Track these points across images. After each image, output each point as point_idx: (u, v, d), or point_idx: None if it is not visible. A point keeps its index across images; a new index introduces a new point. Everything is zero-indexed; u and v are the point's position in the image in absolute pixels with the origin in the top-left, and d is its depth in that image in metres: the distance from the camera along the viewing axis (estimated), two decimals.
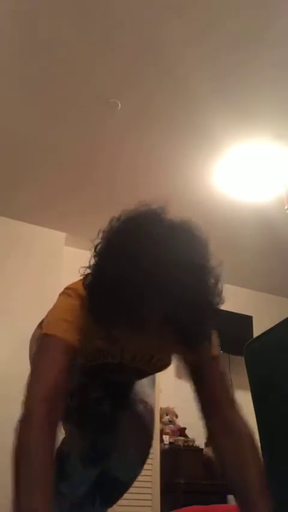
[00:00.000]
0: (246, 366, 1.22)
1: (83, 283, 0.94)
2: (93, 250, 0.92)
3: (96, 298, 0.89)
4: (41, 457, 0.79)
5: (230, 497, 3.09)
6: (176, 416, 3.21)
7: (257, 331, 3.78)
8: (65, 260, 3.36)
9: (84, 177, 3.01)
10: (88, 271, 0.94)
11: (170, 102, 2.44)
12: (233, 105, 2.42)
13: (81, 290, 0.96)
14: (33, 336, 1.35)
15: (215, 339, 1.02)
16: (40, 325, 1.22)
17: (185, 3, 1.95)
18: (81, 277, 0.97)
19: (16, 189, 3.10)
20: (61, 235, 3.51)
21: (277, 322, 1.27)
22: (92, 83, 2.34)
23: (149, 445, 1.30)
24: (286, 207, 2.86)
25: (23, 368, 3.03)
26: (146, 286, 0.78)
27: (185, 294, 0.80)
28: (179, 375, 3.21)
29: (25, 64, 2.25)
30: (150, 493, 2.52)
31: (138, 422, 1.26)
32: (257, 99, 2.38)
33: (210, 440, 1.03)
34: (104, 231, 0.91)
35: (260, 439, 1.08)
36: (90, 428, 1.23)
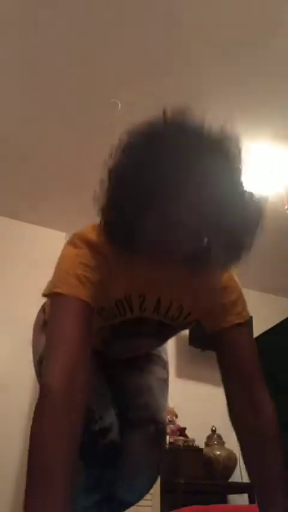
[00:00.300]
0: None
1: (99, 212, 0.82)
2: (106, 172, 0.81)
3: (120, 212, 0.76)
4: (58, 449, 0.65)
5: (230, 497, 3.09)
6: (176, 416, 3.21)
7: (257, 331, 3.77)
8: None
9: (85, 177, 2.99)
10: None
11: (170, 102, 2.43)
12: (234, 105, 2.42)
13: (89, 234, 0.87)
14: (35, 322, 1.25)
15: (243, 300, 0.96)
16: (43, 308, 1.18)
17: (186, 4, 1.95)
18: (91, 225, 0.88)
19: (16, 189, 3.10)
20: (61, 235, 3.50)
21: (277, 322, 1.28)
22: (92, 83, 2.34)
23: (159, 468, 1.15)
24: (286, 207, 2.86)
25: (23, 367, 3.03)
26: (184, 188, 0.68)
27: (228, 208, 0.70)
28: (179, 375, 3.21)
29: (25, 64, 2.25)
30: (150, 493, 2.51)
31: (149, 446, 1.10)
32: (257, 99, 2.38)
33: (233, 417, 0.94)
34: (118, 147, 0.82)
35: None
36: (94, 464, 1.01)
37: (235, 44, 2.11)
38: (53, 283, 0.84)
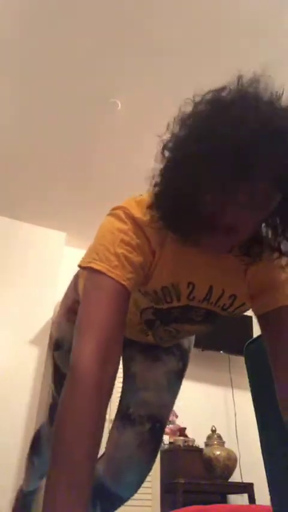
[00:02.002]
0: (246, 366, 1.22)
1: (151, 188, 0.77)
2: (162, 147, 0.76)
3: (177, 180, 0.70)
4: (84, 434, 0.64)
5: (230, 497, 3.09)
6: (176, 416, 3.21)
7: (257, 331, 3.76)
8: (65, 260, 3.37)
9: (85, 177, 3.01)
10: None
11: (170, 102, 2.43)
12: None
13: (134, 207, 0.81)
14: (63, 300, 1.22)
15: None
16: (73, 289, 1.13)
17: (186, 4, 1.95)
18: (137, 196, 0.83)
19: (16, 189, 3.11)
20: (61, 235, 3.51)
21: None
22: (92, 83, 2.35)
23: (150, 466, 1.13)
24: None
25: (23, 367, 3.02)
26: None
27: None
28: None
29: (25, 64, 2.25)
30: (150, 493, 2.52)
31: (141, 444, 1.08)
32: None
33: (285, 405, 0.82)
34: (178, 120, 0.75)
35: (261, 439, 1.08)
36: None
37: (235, 42, 2.12)
38: (91, 255, 0.79)
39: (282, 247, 0.77)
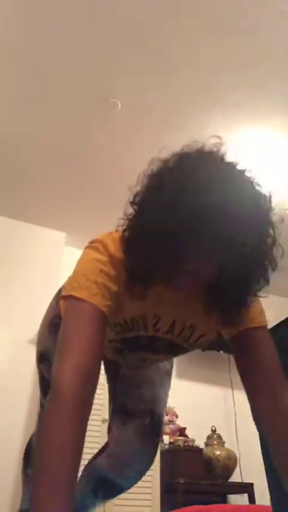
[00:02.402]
0: None
1: (121, 231, 0.85)
2: (131, 199, 0.84)
3: (140, 241, 0.79)
4: (67, 449, 0.67)
5: (230, 497, 3.09)
6: (176, 416, 3.21)
7: None
8: (65, 260, 3.36)
9: (85, 177, 3.01)
10: (122, 227, 0.85)
11: (170, 102, 2.44)
12: (236, 105, 2.42)
13: (110, 243, 0.87)
14: (47, 312, 1.29)
15: (260, 307, 0.94)
16: (55, 304, 1.18)
17: (186, 4, 1.95)
18: (114, 231, 0.89)
19: (16, 189, 3.11)
20: (61, 235, 3.51)
21: (277, 322, 1.27)
22: (92, 83, 2.35)
23: (153, 456, 1.21)
24: (287, 208, 2.86)
25: (23, 367, 3.02)
26: (206, 224, 0.69)
27: (245, 239, 0.71)
28: (179, 375, 3.21)
29: (25, 64, 2.25)
30: (150, 493, 2.52)
31: (144, 436, 1.16)
32: (264, 96, 2.38)
33: (260, 426, 0.90)
34: (146, 175, 0.84)
35: (260, 439, 1.08)
36: None
37: (236, 42, 2.12)
38: (72, 284, 0.85)
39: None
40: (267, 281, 0.81)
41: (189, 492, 2.64)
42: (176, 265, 0.77)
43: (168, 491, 2.62)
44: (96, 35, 2.10)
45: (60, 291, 1.18)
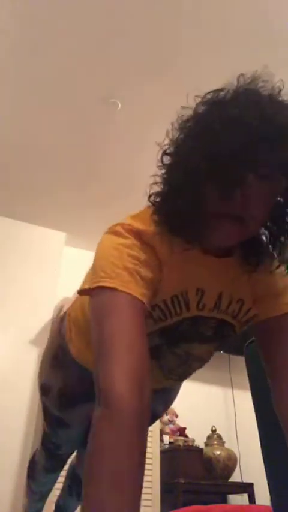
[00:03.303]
0: (246, 366, 1.22)
1: (152, 200, 0.75)
2: (161, 155, 0.75)
3: (182, 180, 0.69)
4: (126, 482, 0.54)
5: (230, 497, 3.09)
6: (176, 416, 3.21)
7: None
8: (65, 260, 3.37)
9: (84, 177, 3.01)
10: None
11: (170, 102, 2.43)
12: None
13: (133, 222, 0.77)
14: (51, 331, 1.22)
15: None
16: (58, 333, 1.08)
17: (185, 3, 1.95)
18: (133, 214, 0.80)
19: (16, 189, 3.11)
20: (61, 235, 3.51)
21: None
22: (92, 83, 2.35)
23: None
24: None
25: (23, 367, 3.02)
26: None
27: None
28: None
29: (25, 64, 2.25)
30: (150, 493, 2.52)
31: None
32: None
33: (283, 416, 0.79)
34: (178, 125, 0.75)
35: (260, 439, 1.08)
36: (58, 464, 1.26)
37: (235, 40, 2.12)
38: (97, 276, 0.71)
39: (281, 256, 0.76)
40: None
41: (189, 492, 2.64)
42: (230, 193, 0.65)
43: (168, 491, 2.62)
44: (96, 35, 2.10)
45: (59, 312, 1.13)
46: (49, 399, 1.13)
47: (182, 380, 1.12)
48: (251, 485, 2.88)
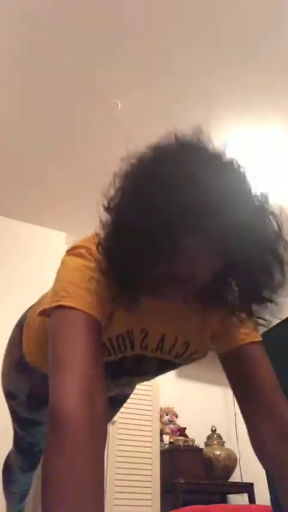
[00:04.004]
0: None
1: (98, 243, 0.73)
2: (105, 203, 0.72)
3: (121, 245, 0.67)
4: (85, 488, 0.54)
5: (230, 497, 3.09)
6: (176, 416, 3.21)
7: None
8: None
9: (84, 177, 3.01)
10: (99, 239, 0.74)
11: (170, 102, 2.44)
12: (238, 102, 2.42)
13: (94, 249, 0.75)
14: (10, 339, 1.21)
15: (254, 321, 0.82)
16: (18, 343, 1.09)
17: (185, 3, 1.95)
18: (92, 236, 0.79)
19: (16, 189, 3.11)
20: (61, 235, 3.51)
21: (277, 322, 1.27)
22: (92, 83, 2.34)
23: None
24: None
25: None
26: (199, 215, 0.59)
27: (240, 234, 0.61)
28: (179, 375, 3.21)
29: (25, 64, 2.25)
30: (150, 493, 2.52)
31: None
32: (262, 97, 2.38)
33: (261, 451, 0.78)
34: (119, 174, 0.72)
35: None
36: (36, 460, 1.23)
37: (237, 39, 2.12)
38: (58, 295, 0.72)
39: (234, 302, 0.74)
40: (283, 274, 0.68)
41: (189, 492, 2.64)
42: (170, 258, 0.65)
43: (168, 491, 2.62)
44: (96, 35, 2.10)
45: (21, 321, 1.11)
46: (17, 404, 1.13)
47: (125, 396, 1.23)
48: (251, 485, 2.88)
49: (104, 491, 0.59)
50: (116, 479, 2.46)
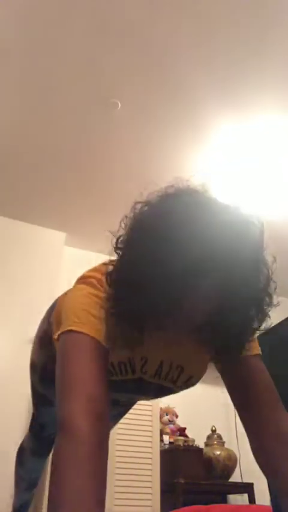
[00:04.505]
0: None
1: (106, 278, 0.79)
2: (114, 243, 0.77)
3: (127, 289, 0.72)
4: (87, 491, 0.58)
5: (230, 497, 3.09)
6: (176, 416, 3.21)
7: None
8: (65, 260, 3.36)
9: (84, 177, 3.01)
10: (110, 268, 0.80)
11: (170, 102, 2.44)
12: (238, 103, 2.42)
13: (104, 280, 0.80)
14: (36, 334, 1.28)
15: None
16: (47, 319, 1.16)
17: (185, 4, 1.95)
18: (102, 266, 0.84)
19: (16, 189, 3.11)
20: (61, 235, 3.51)
21: (277, 322, 1.28)
22: (92, 83, 2.35)
23: None
24: None
25: (22, 368, 3.01)
26: (194, 272, 0.64)
27: (237, 287, 0.68)
28: None
29: (25, 64, 2.25)
30: (150, 493, 2.52)
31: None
32: (259, 98, 2.38)
33: (262, 460, 0.80)
34: (129, 217, 0.76)
35: None
36: (44, 447, 1.35)
37: (236, 39, 2.12)
38: (70, 320, 0.78)
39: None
40: (266, 316, 0.76)
41: (189, 492, 2.64)
42: (171, 307, 0.70)
43: (168, 491, 2.61)
44: (96, 35, 2.10)
45: (53, 306, 1.17)
46: (34, 376, 1.23)
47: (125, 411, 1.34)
48: (251, 485, 2.88)
49: (104, 499, 0.63)
50: (116, 479, 2.46)
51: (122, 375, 0.89)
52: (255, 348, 0.88)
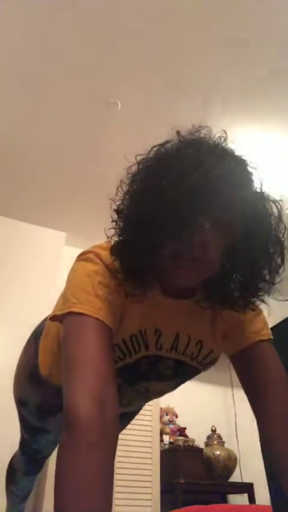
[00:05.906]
0: None
1: (111, 239, 0.78)
2: (116, 206, 0.79)
3: (132, 230, 0.73)
4: (95, 483, 0.57)
5: (230, 497, 3.09)
6: (176, 416, 3.21)
7: None
8: (65, 260, 3.36)
9: (84, 177, 3.01)
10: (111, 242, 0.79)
11: (170, 101, 2.44)
12: (237, 100, 2.42)
13: (102, 253, 0.80)
14: (25, 350, 1.22)
15: (264, 319, 0.87)
16: (34, 352, 1.11)
17: (184, 3, 1.95)
18: (103, 243, 0.83)
19: (16, 189, 3.11)
20: (61, 235, 3.51)
21: (277, 322, 1.27)
22: (92, 83, 2.34)
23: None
24: (286, 207, 2.86)
25: None
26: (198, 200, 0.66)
27: (246, 226, 0.69)
28: None
29: (25, 64, 2.25)
30: (150, 493, 2.52)
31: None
32: (261, 94, 2.38)
33: (269, 448, 0.79)
34: (128, 175, 0.80)
35: (261, 439, 1.08)
36: (39, 466, 1.32)
37: (236, 39, 2.12)
38: (69, 301, 0.74)
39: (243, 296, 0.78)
40: (276, 268, 0.73)
41: (189, 492, 2.64)
42: (178, 241, 0.70)
43: (168, 491, 2.61)
44: (96, 35, 2.10)
45: (36, 332, 1.13)
46: (27, 412, 1.16)
47: (139, 409, 1.25)
48: (251, 485, 2.88)
49: (112, 489, 0.61)
50: (116, 479, 2.45)
51: (135, 352, 0.84)
52: (267, 333, 0.86)
